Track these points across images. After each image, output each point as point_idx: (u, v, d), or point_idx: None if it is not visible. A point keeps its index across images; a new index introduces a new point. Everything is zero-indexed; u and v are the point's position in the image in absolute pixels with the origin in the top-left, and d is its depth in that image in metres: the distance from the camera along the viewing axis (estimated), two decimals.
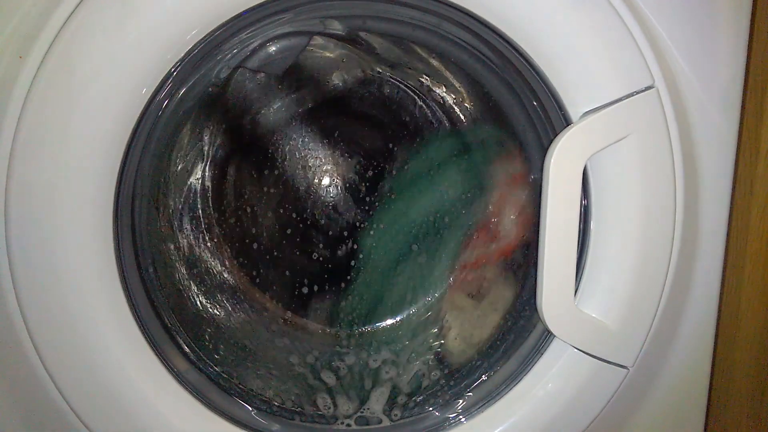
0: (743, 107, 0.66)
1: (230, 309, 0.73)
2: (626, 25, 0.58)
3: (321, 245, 0.74)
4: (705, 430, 0.75)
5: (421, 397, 0.70)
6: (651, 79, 0.59)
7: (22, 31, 0.54)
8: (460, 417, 0.67)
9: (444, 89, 0.73)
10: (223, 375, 0.67)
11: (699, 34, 0.63)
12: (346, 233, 0.74)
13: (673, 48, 0.62)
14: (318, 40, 0.68)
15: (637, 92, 0.59)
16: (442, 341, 0.75)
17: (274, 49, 0.68)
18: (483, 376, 0.69)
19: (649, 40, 0.60)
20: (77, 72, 0.52)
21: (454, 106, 0.74)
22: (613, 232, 0.62)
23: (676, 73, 0.62)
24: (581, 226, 0.61)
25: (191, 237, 0.72)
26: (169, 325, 0.64)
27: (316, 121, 0.72)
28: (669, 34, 0.62)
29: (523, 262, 0.73)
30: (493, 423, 0.65)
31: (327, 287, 0.75)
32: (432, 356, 0.74)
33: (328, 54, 0.69)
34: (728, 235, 0.69)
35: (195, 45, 0.55)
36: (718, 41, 0.63)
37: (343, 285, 0.75)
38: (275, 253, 0.74)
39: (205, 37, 0.55)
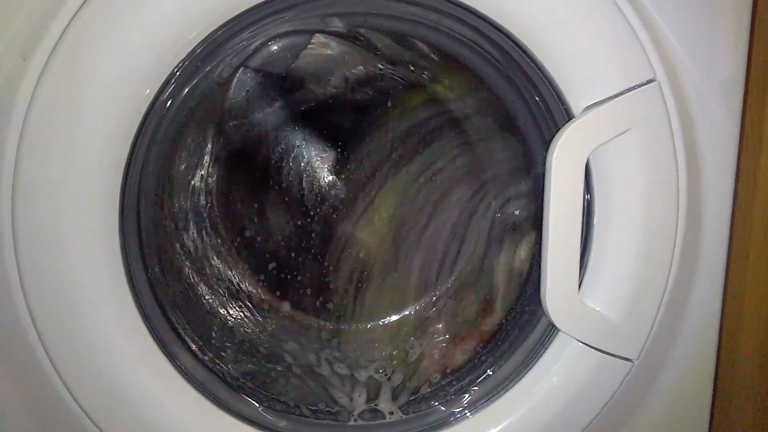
0: (745, 99, 0.65)
1: (237, 308, 0.73)
2: (627, 18, 0.58)
3: (326, 243, 0.75)
4: (711, 421, 0.75)
5: (426, 392, 0.71)
6: (652, 72, 0.59)
7: (25, 33, 0.54)
8: (466, 412, 0.67)
9: (446, 85, 0.73)
10: (230, 372, 0.67)
11: (700, 27, 0.63)
12: (349, 231, 0.75)
13: (674, 41, 0.62)
14: (319, 38, 0.68)
15: (639, 86, 0.59)
16: (447, 336, 0.75)
17: (275, 48, 0.68)
18: (488, 370, 0.69)
19: (650, 33, 0.60)
20: (82, 73, 0.52)
21: (455, 102, 0.74)
22: (617, 226, 0.62)
23: (677, 66, 0.62)
24: (584, 220, 0.62)
25: (196, 236, 0.72)
26: (176, 323, 0.65)
27: (318, 119, 0.72)
28: (670, 27, 0.61)
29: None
30: (498, 417, 0.65)
31: (332, 285, 0.75)
32: (437, 351, 0.74)
33: (329, 52, 0.69)
34: (732, 227, 0.69)
35: (197, 45, 0.55)
36: (720, 34, 0.63)
37: (348, 282, 0.76)
38: (281, 252, 0.74)
39: (207, 37, 0.55)
